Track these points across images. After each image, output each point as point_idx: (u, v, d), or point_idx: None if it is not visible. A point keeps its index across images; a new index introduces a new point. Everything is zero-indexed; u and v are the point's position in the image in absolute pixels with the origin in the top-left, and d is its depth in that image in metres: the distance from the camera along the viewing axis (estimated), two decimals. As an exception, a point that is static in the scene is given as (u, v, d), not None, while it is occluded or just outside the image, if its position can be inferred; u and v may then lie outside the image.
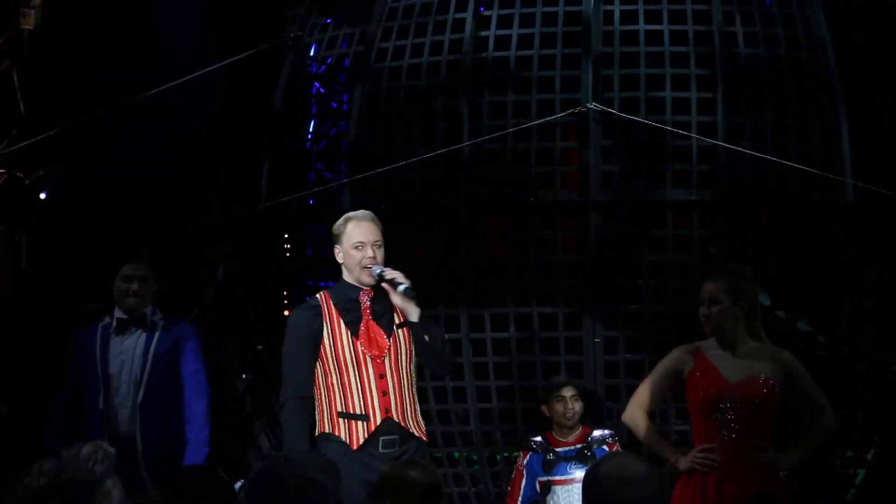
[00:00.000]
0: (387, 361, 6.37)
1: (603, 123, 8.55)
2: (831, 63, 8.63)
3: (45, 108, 9.17)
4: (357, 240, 6.43)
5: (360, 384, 6.34)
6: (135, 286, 7.33)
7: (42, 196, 9.54)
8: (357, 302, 6.44)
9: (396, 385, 6.36)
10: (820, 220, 8.79)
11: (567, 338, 8.60)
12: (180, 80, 8.70)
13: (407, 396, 6.40)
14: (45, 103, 9.23)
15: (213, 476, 6.43)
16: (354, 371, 6.34)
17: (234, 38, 9.15)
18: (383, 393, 6.35)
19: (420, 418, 6.50)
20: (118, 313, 7.40)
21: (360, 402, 6.32)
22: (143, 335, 7.33)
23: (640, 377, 6.99)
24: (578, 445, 7.76)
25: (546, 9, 8.80)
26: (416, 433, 6.42)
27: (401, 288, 6.34)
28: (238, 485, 6.56)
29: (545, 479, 7.74)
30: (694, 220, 8.59)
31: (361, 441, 6.31)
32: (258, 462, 5.04)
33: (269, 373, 9.27)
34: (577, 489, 7.47)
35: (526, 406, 8.62)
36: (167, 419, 7.31)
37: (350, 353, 6.35)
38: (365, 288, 6.46)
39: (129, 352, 7.31)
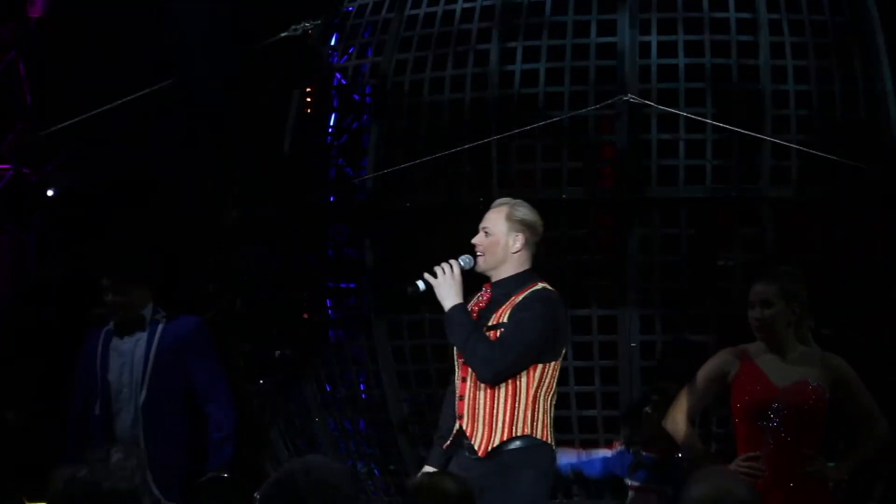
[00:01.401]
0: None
1: (640, 116, 8.39)
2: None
3: (53, 101, 8.90)
4: None
5: (454, 385, 6.10)
6: (108, 298, 7.13)
7: (49, 193, 9.30)
8: (478, 298, 6.16)
9: (472, 391, 5.97)
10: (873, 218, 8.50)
11: (601, 342, 8.42)
12: (194, 72, 8.47)
13: (484, 407, 5.93)
14: (52, 96, 8.97)
15: (233, 485, 6.48)
16: (456, 370, 6.10)
17: (252, 29, 8.90)
18: (460, 397, 6.03)
19: (500, 434, 5.91)
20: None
21: (451, 403, 6.11)
22: (144, 336, 7.13)
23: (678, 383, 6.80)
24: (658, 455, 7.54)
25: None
26: (478, 447, 5.92)
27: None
28: (257, 494, 6.45)
29: (627, 481, 7.63)
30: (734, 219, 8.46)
31: (448, 443, 6.08)
32: (275, 470, 4.82)
33: (287, 379, 9.05)
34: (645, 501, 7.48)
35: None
36: (173, 422, 7.08)
37: (456, 351, 6.10)
38: (486, 283, 6.17)
39: (128, 354, 7.12)
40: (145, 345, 7.06)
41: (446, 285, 5.94)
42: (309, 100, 9.29)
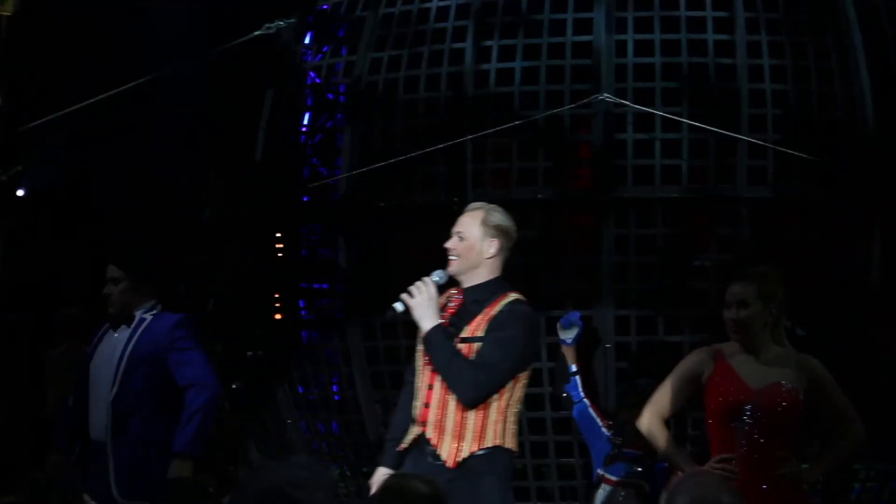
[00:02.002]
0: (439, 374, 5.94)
1: (616, 115, 8.35)
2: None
3: (24, 100, 8.82)
4: None
5: (419, 389, 5.98)
6: (106, 288, 7.03)
7: (20, 193, 9.22)
8: (449, 302, 6.06)
9: (441, 400, 5.88)
10: (847, 219, 8.50)
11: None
12: (168, 70, 8.40)
13: (452, 418, 5.86)
14: (23, 96, 8.88)
15: (197, 488, 6.15)
16: (420, 373, 5.99)
17: (226, 27, 8.85)
18: (425, 405, 5.93)
19: (468, 445, 5.85)
20: None
21: (414, 406, 5.99)
22: (127, 333, 7.01)
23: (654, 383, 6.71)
24: (643, 451, 7.49)
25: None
26: (446, 457, 5.85)
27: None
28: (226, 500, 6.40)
29: (601, 472, 7.65)
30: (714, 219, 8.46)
31: (406, 446, 5.99)
32: (247, 474, 4.73)
33: (259, 382, 9.00)
34: (619, 495, 7.51)
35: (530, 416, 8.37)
36: (142, 421, 6.87)
37: (422, 356, 5.99)
38: (456, 288, 6.08)
39: (110, 351, 7.00)
40: (124, 342, 6.96)
41: (423, 305, 5.87)
42: (283, 99, 9.23)
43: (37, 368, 9.95)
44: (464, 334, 5.86)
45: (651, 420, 6.21)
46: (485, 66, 8.59)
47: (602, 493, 7.61)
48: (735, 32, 8.40)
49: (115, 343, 6.97)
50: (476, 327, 5.86)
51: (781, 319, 6.11)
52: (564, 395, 7.91)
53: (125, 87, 7.90)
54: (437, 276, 5.94)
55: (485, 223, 5.95)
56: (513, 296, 5.94)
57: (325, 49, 9.25)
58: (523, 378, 5.93)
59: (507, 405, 5.86)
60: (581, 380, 7.92)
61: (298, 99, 9.36)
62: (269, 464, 4.38)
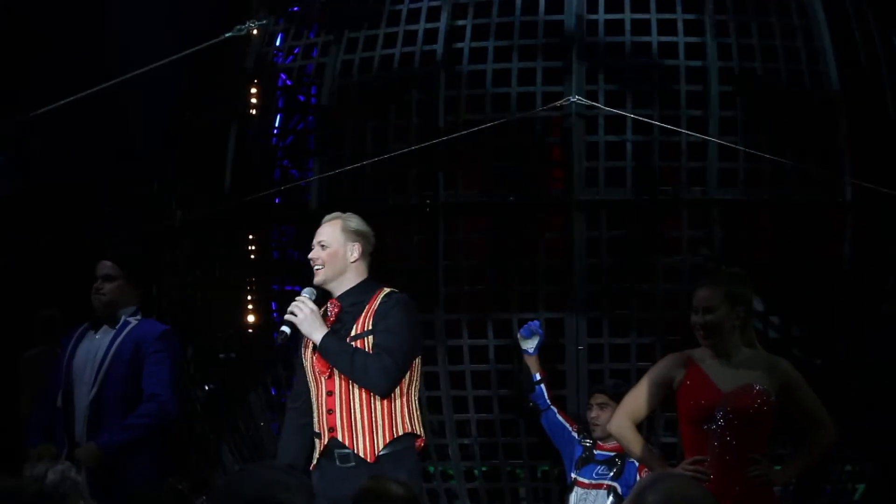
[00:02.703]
0: (336, 378, 6.09)
1: (587, 118, 8.31)
2: (830, 56, 8.40)
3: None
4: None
5: (316, 401, 6.19)
6: (97, 284, 7.06)
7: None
8: (326, 313, 6.25)
9: (345, 402, 6.07)
10: (817, 220, 8.53)
11: (548, 345, 8.26)
12: (137, 72, 8.33)
13: (360, 415, 6.06)
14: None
15: (174, 492, 6.19)
16: (314, 387, 6.20)
17: (196, 29, 8.80)
18: (329, 411, 6.11)
19: (382, 437, 6.08)
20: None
21: (316, 421, 6.20)
22: (111, 334, 7.04)
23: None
24: (613, 453, 7.56)
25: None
26: (364, 454, 6.04)
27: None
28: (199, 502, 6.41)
29: (574, 475, 7.70)
30: (683, 221, 8.36)
31: (315, 461, 6.20)
32: (222, 478, 4.71)
33: (232, 383, 8.96)
34: (592, 497, 7.50)
35: (505, 417, 8.39)
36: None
37: (311, 367, 6.22)
38: (331, 299, 6.30)
39: (93, 351, 7.02)
40: (108, 343, 6.98)
41: (308, 321, 6.08)
42: (254, 100, 9.18)
43: (11, 370, 9.91)
44: (353, 333, 6.09)
45: (622, 423, 6.24)
46: (457, 68, 8.57)
47: (574, 496, 7.64)
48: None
49: (98, 343, 7.00)
50: (363, 325, 6.11)
51: (751, 321, 6.14)
52: (531, 404, 7.95)
53: (96, 88, 7.85)
54: (308, 293, 6.21)
55: (345, 230, 6.24)
56: (387, 290, 6.21)
57: (296, 51, 9.20)
58: (418, 364, 6.21)
59: (409, 392, 6.13)
60: (546, 387, 7.95)
61: (269, 101, 9.31)
62: (250, 466, 4.39)
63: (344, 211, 6.38)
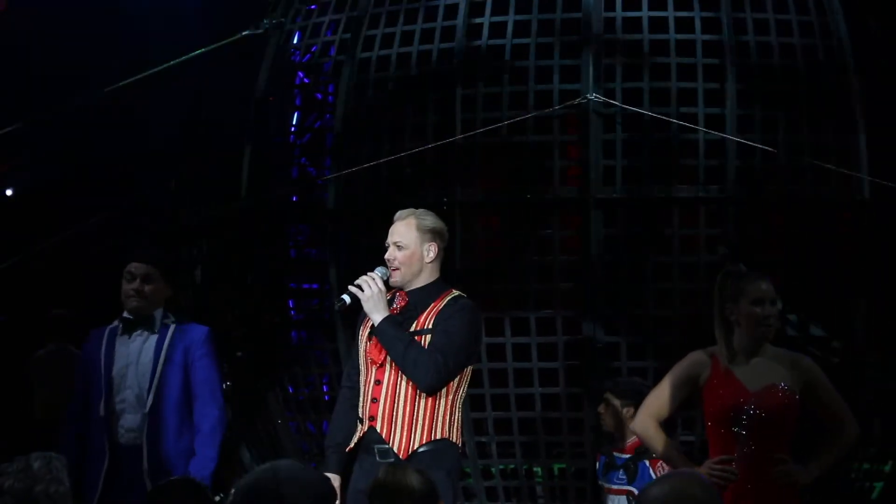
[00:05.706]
0: (387, 369, 6.05)
1: (604, 116, 8.29)
2: (847, 52, 8.35)
3: (9, 99, 8.79)
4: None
5: (364, 387, 6.14)
6: (135, 285, 6.91)
7: (8, 193, 9.17)
8: (392, 302, 6.18)
9: (390, 394, 6.03)
10: (834, 219, 8.53)
11: (566, 342, 8.33)
12: (155, 70, 8.35)
13: (403, 410, 6.02)
14: (8, 94, 8.86)
15: (193, 487, 6.09)
16: (364, 372, 6.15)
17: (214, 27, 8.82)
18: (373, 399, 6.07)
19: (420, 437, 6.04)
20: (126, 314, 7.00)
21: (361, 405, 6.15)
22: (153, 338, 6.92)
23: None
24: (627, 455, 7.45)
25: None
26: (398, 449, 6.01)
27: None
28: (217, 499, 6.34)
29: (602, 484, 7.62)
30: (701, 219, 8.34)
31: (353, 445, 6.16)
32: (241, 476, 4.72)
33: (249, 381, 8.94)
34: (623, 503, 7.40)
35: (523, 415, 8.37)
36: (180, 432, 6.88)
37: (364, 352, 6.16)
38: (399, 291, 6.21)
39: (134, 355, 6.90)
40: (155, 347, 6.87)
41: (374, 300, 6.04)
42: (271, 98, 9.16)
43: (23, 369, 9.90)
44: (412, 329, 6.05)
45: (646, 422, 6.15)
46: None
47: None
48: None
49: (138, 348, 6.89)
50: (423, 322, 6.06)
51: (775, 319, 6.11)
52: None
53: (117, 85, 7.87)
54: (380, 272, 6.11)
55: (420, 228, 6.14)
56: (455, 292, 6.16)
57: (313, 49, 9.19)
58: (468, 372, 6.14)
59: (454, 399, 6.07)
60: None
61: (287, 99, 9.30)
62: (261, 465, 4.38)
63: (411, 208, 6.28)
